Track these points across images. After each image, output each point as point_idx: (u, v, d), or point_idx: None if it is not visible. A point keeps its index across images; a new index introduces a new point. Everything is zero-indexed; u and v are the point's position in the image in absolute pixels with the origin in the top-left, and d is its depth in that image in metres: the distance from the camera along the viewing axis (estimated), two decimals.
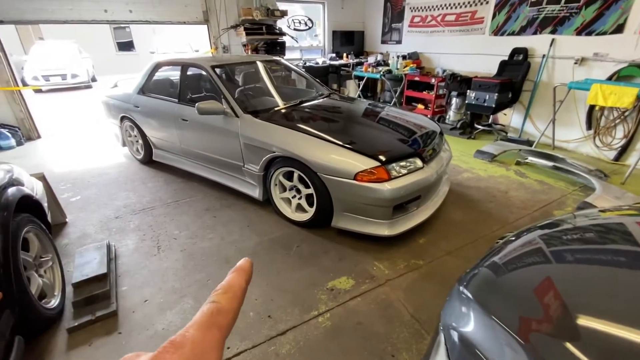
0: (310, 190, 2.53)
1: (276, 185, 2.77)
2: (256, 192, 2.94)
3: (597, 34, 3.99)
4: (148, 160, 4.06)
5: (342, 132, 2.68)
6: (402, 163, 2.36)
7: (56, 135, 5.53)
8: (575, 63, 4.21)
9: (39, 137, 5.31)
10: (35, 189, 2.12)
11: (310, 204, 2.63)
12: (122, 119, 4.07)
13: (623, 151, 4.00)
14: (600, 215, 1.43)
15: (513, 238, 1.20)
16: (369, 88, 7.25)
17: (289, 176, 2.69)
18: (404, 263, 2.31)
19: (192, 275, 2.21)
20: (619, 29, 3.80)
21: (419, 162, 2.45)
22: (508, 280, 1.04)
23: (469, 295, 0.94)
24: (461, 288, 0.97)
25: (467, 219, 2.86)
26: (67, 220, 2.89)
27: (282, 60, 3.98)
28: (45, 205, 2.13)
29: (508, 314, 0.90)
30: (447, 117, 5.57)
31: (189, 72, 3.44)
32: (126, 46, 17.05)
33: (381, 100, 7.05)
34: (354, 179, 2.24)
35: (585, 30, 4.08)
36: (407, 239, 2.53)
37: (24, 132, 5.09)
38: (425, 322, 1.83)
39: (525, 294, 0.98)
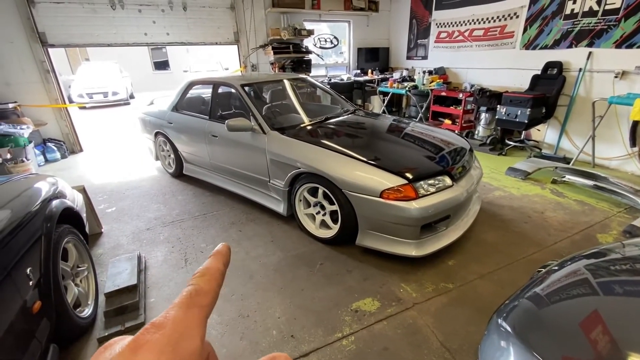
0: (335, 207, 2.51)
1: (300, 201, 2.78)
2: (281, 208, 2.96)
3: (639, 47, 3.77)
4: (179, 173, 4.22)
5: (367, 149, 2.67)
6: (430, 181, 2.30)
7: (96, 149, 5.90)
8: (616, 77, 3.99)
9: (81, 150, 5.68)
10: (76, 200, 2.25)
11: (335, 221, 2.61)
12: (156, 134, 4.28)
13: None
14: None
15: (556, 267, 1.11)
16: (394, 103, 7.22)
17: (313, 192, 2.69)
18: (433, 286, 2.21)
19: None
20: None
21: (448, 180, 2.38)
22: (551, 313, 0.96)
23: (509, 329, 0.88)
24: (500, 321, 0.91)
25: (500, 241, 2.72)
26: (102, 230, 3.04)
27: (308, 78, 4.06)
28: (84, 216, 2.25)
29: (552, 350, 0.83)
30: (476, 132, 5.42)
31: (219, 91, 3.59)
32: (162, 65, 18.15)
33: (406, 116, 6.98)
34: (380, 196, 2.21)
35: (626, 42, 3.88)
36: (435, 261, 2.43)
37: (68, 146, 5.47)
38: (456, 351, 1.73)
39: (571, 328, 0.91)
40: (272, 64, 6.51)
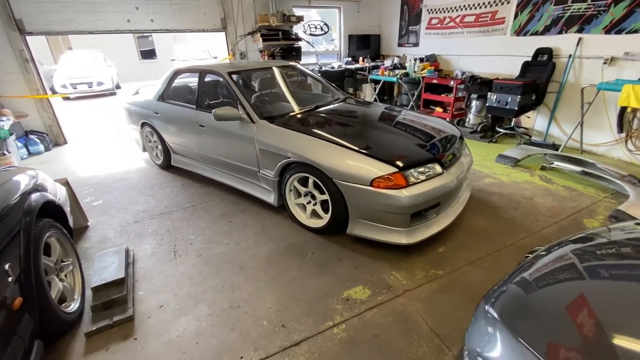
0: (326, 197, 2.49)
1: (291, 191, 2.75)
2: (271, 198, 2.93)
3: (628, 32, 3.77)
4: (167, 165, 4.14)
5: (357, 137, 2.64)
6: (421, 169, 2.29)
7: (81, 141, 5.75)
8: (605, 63, 4.00)
9: (65, 142, 5.53)
10: (58, 194, 2.18)
11: (326, 210, 2.59)
12: (143, 125, 4.18)
13: None
14: (637, 228, 1.32)
15: (543, 253, 1.11)
16: (385, 91, 7.17)
17: (303, 182, 2.66)
18: (423, 273, 2.22)
19: (208, 281, 2.21)
20: None
21: (438, 168, 2.37)
22: (538, 298, 0.96)
23: (496, 315, 0.87)
24: (487, 307, 0.91)
25: (490, 227, 2.74)
26: (89, 224, 2.97)
27: (298, 66, 3.98)
28: (67, 210, 2.19)
29: (538, 335, 0.83)
30: (467, 120, 5.42)
31: (206, 79, 3.49)
32: (148, 54, 17.69)
33: (397, 104, 6.94)
34: (370, 185, 2.19)
35: (615, 28, 3.88)
36: (425, 248, 2.45)
37: (51, 138, 5.31)
38: (446, 337, 1.75)
39: (557, 313, 0.91)
40: (261, 51, 6.37)
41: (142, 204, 3.34)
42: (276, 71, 3.63)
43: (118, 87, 13.24)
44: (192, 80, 4.26)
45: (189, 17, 5.68)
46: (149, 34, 17.44)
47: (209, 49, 14.12)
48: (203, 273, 2.29)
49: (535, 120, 4.98)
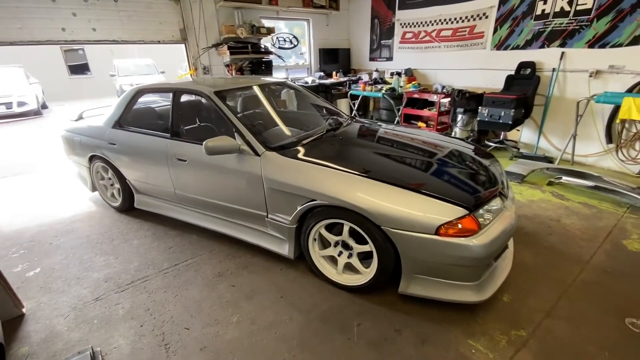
0: (367, 247, 1.96)
1: (315, 240, 2.17)
2: (285, 249, 2.31)
3: (612, 46, 3.87)
4: (128, 207, 3.28)
5: (402, 170, 2.15)
6: (486, 206, 1.87)
7: (1, 178, 4.51)
8: (590, 76, 4.07)
9: None
10: None
11: (364, 263, 2.05)
12: (92, 158, 3.28)
13: None
14: None
15: None
16: (360, 107, 6.88)
17: (331, 228, 2.10)
18: (504, 337, 1.78)
19: None
20: (636, 40, 3.70)
21: (498, 202, 1.98)
22: None
23: None
24: None
25: (539, 262, 2.42)
26: (24, 310, 2.06)
27: (289, 82, 3.43)
28: None
29: None
30: (453, 134, 5.28)
31: (182, 100, 2.78)
32: (79, 69, 15.71)
33: (374, 119, 6.68)
34: (436, 233, 1.71)
35: (599, 42, 3.97)
36: (489, 299, 2.02)
37: None
38: None
39: None
40: (227, 65, 5.70)
41: (101, 268, 2.48)
42: (268, 90, 3.05)
43: (44, 106, 11.38)
44: (156, 101, 3.51)
45: (141, 27, 4.83)
46: (80, 47, 15.55)
47: (154, 64, 12.85)
48: None
49: (521, 133, 4.98)
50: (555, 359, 1.66)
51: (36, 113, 10.10)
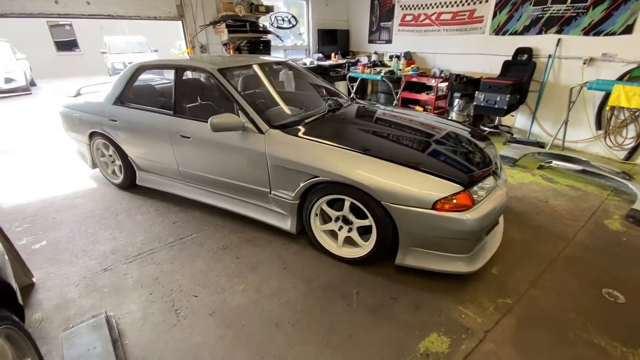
0: (367, 222, 2.06)
1: (317, 215, 2.26)
2: (287, 224, 2.40)
3: (606, 34, 3.95)
4: (129, 184, 3.32)
5: (402, 149, 2.24)
6: (480, 184, 1.98)
7: None
8: (584, 63, 4.16)
9: None
10: None
11: (363, 237, 2.16)
12: (92, 135, 3.28)
13: (634, 151, 4.01)
14: None
15: None
16: (358, 90, 6.89)
17: (333, 204, 2.20)
18: (492, 304, 1.93)
19: (237, 354, 1.64)
20: (629, 29, 3.78)
21: (492, 180, 2.09)
22: None
23: None
24: None
25: (526, 238, 2.57)
26: (34, 280, 2.14)
27: (290, 62, 3.44)
28: (12, 282, 1.43)
29: None
30: (449, 118, 5.36)
31: (184, 78, 2.79)
32: (67, 46, 15.22)
33: (371, 102, 6.71)
34: (433, 208, 1.82)
35: (593, 30, 4.04)
36: (478, 271, 2.15)
37: None
38: None
39: None
40: (225, 44, 5.62)
41: (107, 241, 2.55)
42: (269, 69, 3.07)
43: (33, 84, 11.08)
44: (155, 79, 3.50)
45: (137, 2, 4.72)
46: (67, 22, 14.98)
47: (147, 42, 12.51)
48: (226, 340, 1.71)
49: (515, 119, 5.09)
50: (537, 323, 1.81)
51: (25, 90, 9.84)
